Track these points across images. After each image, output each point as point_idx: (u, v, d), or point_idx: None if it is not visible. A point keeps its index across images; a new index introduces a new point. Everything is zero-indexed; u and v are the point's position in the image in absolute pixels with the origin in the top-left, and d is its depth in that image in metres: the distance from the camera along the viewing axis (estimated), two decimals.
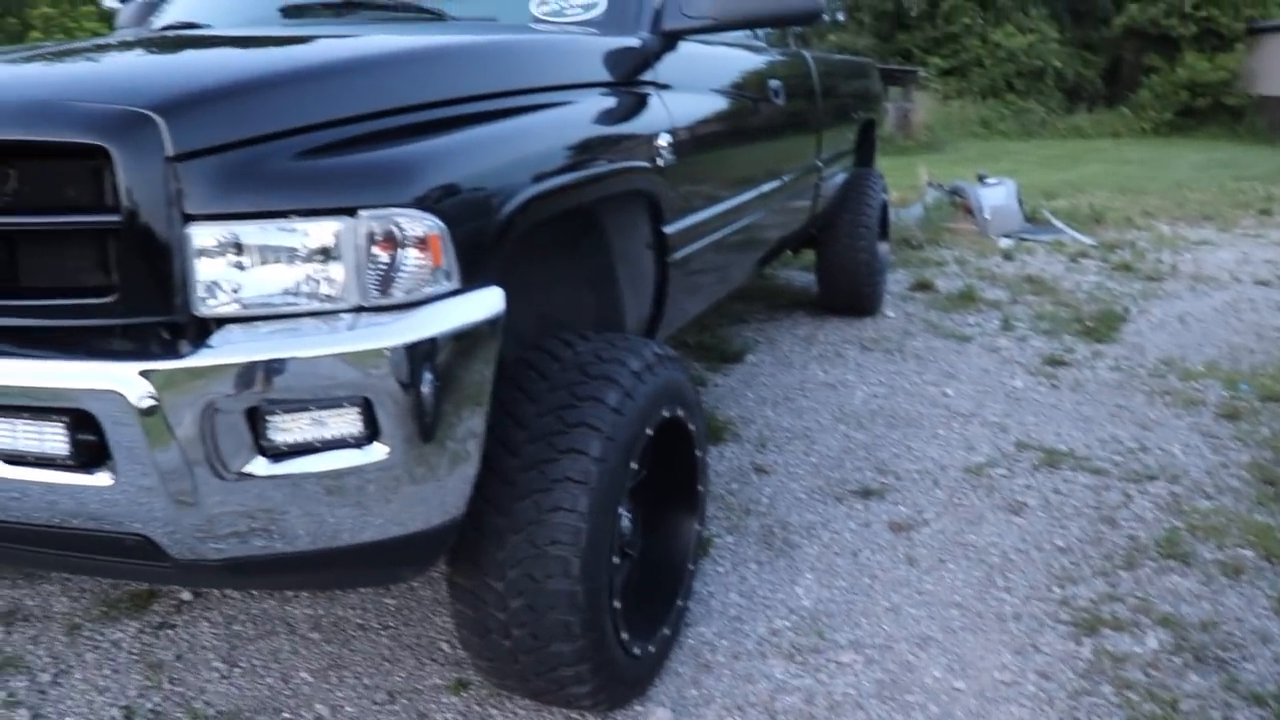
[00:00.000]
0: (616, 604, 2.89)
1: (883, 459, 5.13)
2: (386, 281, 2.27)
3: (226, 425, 2.20)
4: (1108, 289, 8.60)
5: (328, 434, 2.26)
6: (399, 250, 2.27)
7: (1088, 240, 10.32)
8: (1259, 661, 3.49)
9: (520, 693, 3.08)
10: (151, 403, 2.16)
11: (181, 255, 2.19)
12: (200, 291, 2.22)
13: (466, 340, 2.38)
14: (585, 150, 3.08)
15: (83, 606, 3.76)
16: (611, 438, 2.77)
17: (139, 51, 3.01)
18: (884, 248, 7.49)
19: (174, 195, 2.16)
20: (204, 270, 2.21)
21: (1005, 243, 10.02)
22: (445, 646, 3.55)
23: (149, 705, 3.24)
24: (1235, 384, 6.17)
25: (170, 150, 2.15)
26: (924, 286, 8.47)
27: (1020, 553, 4.23)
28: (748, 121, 4.82)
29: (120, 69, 2.82)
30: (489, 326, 2.43)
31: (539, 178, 2.73)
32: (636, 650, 3.05)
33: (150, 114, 2.16)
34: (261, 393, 2.20)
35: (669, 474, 3.28)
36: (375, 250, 2.25)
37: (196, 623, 3.66)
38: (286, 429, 2.23)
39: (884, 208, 7.41)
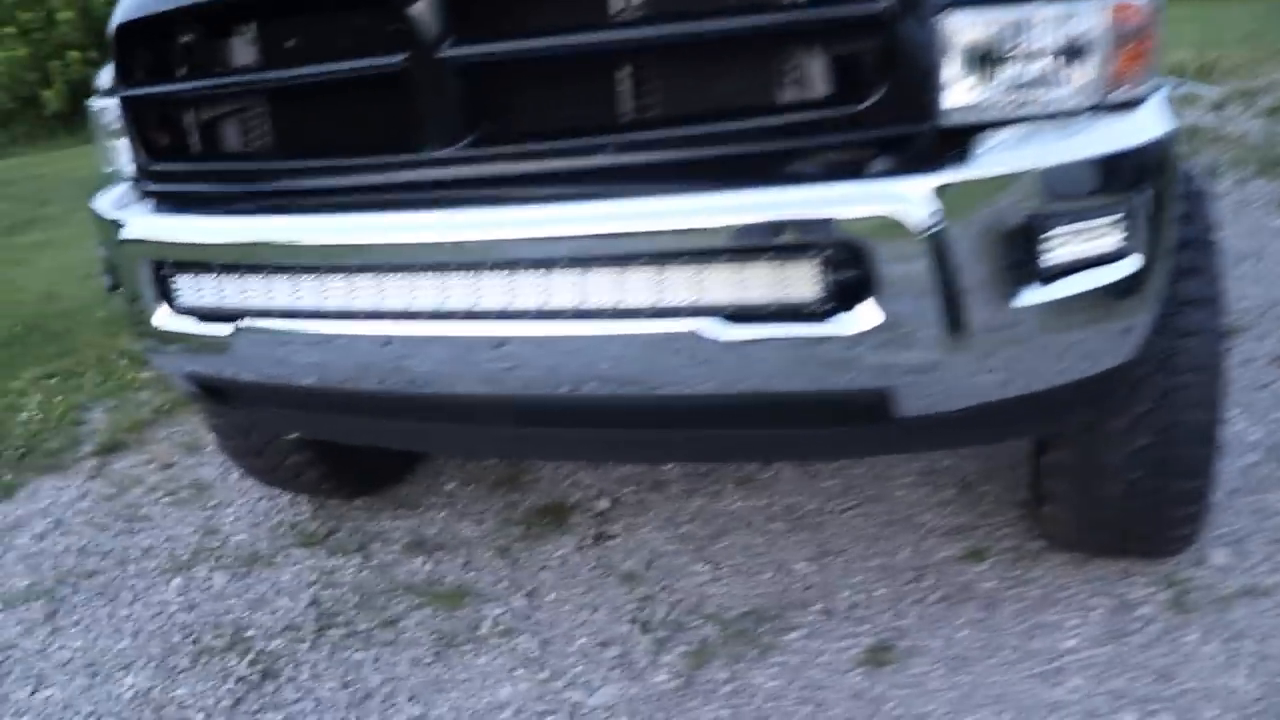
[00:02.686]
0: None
1: None
2: (1121, 77, 1.94)
3: (1004, 246, 1.87)
4: (1276, 132, 8.30)
5: (1090, 250, 1.94)
6: (1130, 43, 1.94)
7: (1214, 91, 9.99)
8: None
9: (1090, 547, 2.87)
10: (932, 225, 1.81)
11: (938, 52, 1.84)
12: (949, 93, 1.86)
13: (1179, 144, 2.07)
14: None
15: (491, 529, 3.45)
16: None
17: None
18: None
19: None
20: (953, 69, 1.85)
21: None
22: (927, 517, 3.26)
23: (659, 615, 2.93)
24: None
25: None
26: None
27: None
28: None
29: None
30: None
31: None
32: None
33: None
34: (1039, 206, 1.86)
35: None
36: (1117, 41, 1.91)
37: (635, 531, 3.35)
38: (1057, 247, 1.91)
39: None
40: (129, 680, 2.89)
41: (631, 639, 2.82)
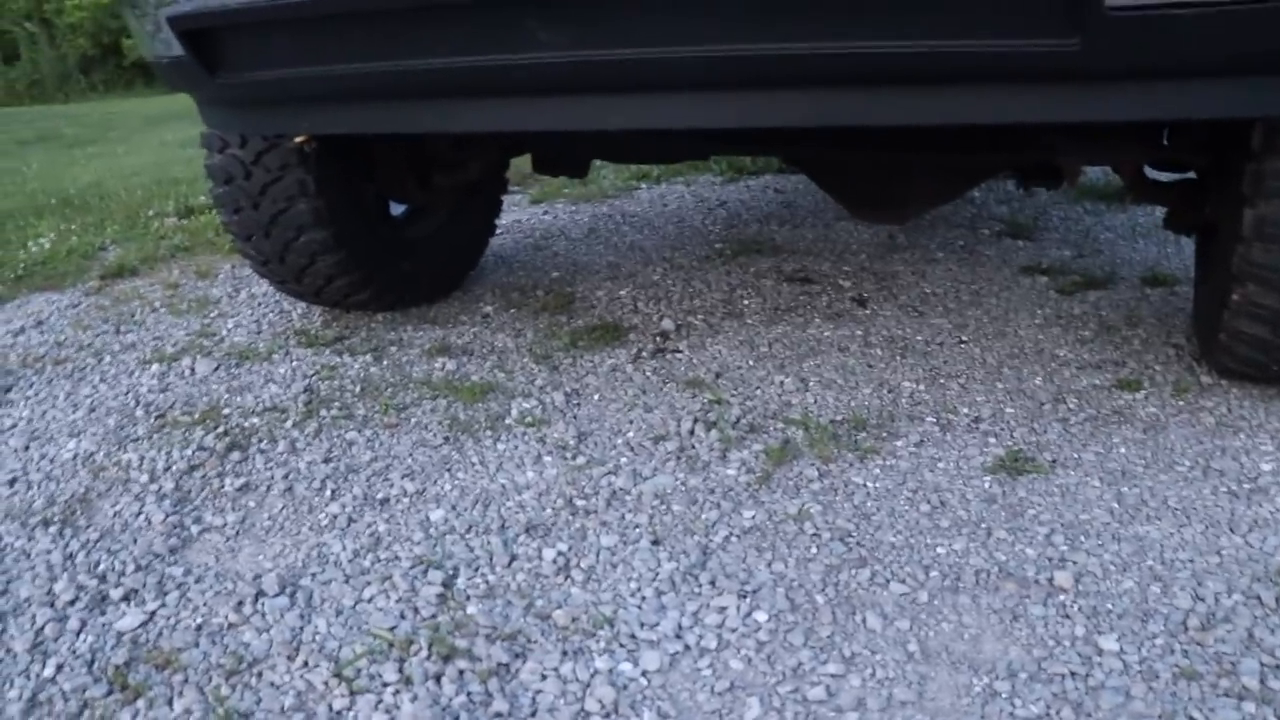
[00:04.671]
0: None
1: None
2: None
3: None
4: None
5: None
6: None
7: None
8: None
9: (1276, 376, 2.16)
10: None
11: None
12: None
13: None
14: None
15: (531, 340, 2.81)
16: None
17: None
18: None
19: None
20: None
21: None
22: (1062, 352, 2.61)
23: (731, 417, 2.29)
24: None
25: None
26: None
27: None
28: None
29: None
30: None
31: None
32: None
33: None
34: None
35: None
36: None
37: (703, 349, 2.70)
38: None
39: None
40: (71, 445, 2.33)
41: (695, 436, 2.19)
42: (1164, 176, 2.50)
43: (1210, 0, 1.43)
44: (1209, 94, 1.60)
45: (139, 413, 2.48)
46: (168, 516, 2.00)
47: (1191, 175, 2.44)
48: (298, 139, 2.49)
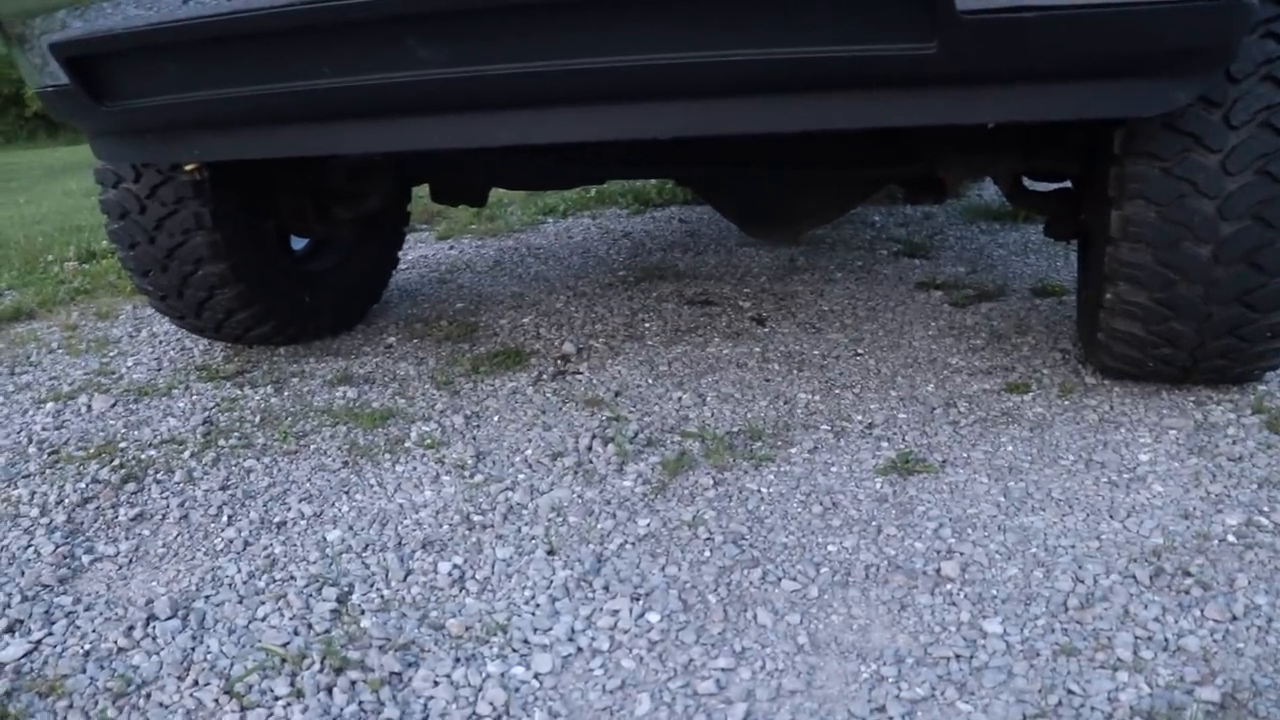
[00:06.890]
0: None
1: None
2: None
3: None
4: None
5: None
6: None
7: None
8: None
9: (1151, 373, 2.37)
10: None
11: None
12: None
13: None
14: None
15: (433, 368, 2.83)
16: None
17: None
18: None
19: None
20: None
21: None
22: (954, 360, 2.67)
23: (629, 432, 2.31)
24: None
25: None
26: None
27: None
28: None
29: None
30: None
31: None
32: None
33: None
34: None
35: None
36: None
37: (603, 369, 2.73)
38: None
39: None
40: None
41: (593, 452, 2.20)
42: (1042, 186, 2.59)
43: (1056, 4, 1.49)
44: (1063, 96, 1.68)
45: (31, 450, 2.44)
46: (58, 548, 1.97)
47: (1067, 183, 2.53)
48: (188, 168, 2.48)
